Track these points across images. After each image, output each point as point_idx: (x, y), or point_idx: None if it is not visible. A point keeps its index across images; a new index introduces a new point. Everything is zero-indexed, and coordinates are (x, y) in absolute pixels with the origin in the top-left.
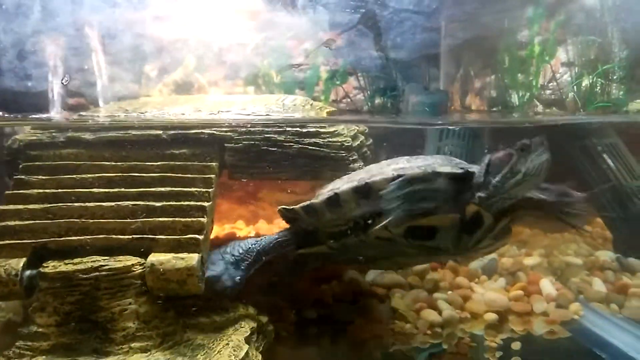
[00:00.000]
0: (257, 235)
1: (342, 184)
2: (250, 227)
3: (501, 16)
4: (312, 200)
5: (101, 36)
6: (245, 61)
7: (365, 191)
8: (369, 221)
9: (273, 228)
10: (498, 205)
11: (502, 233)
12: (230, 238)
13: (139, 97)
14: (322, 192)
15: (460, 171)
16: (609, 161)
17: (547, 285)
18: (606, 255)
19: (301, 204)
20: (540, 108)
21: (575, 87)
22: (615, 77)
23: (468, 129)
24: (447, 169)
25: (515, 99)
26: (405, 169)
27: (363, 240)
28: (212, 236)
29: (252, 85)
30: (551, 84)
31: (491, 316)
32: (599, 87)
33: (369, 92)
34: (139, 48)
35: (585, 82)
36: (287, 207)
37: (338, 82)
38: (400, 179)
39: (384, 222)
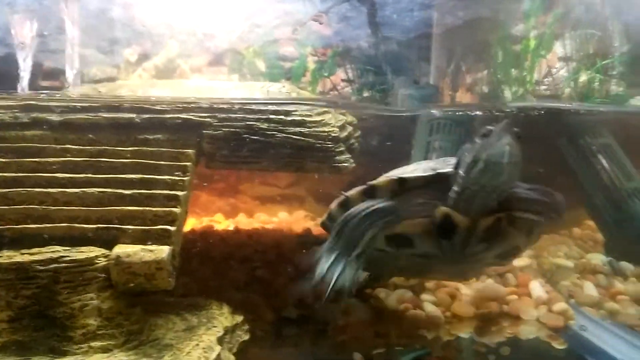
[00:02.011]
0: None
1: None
2: (230, 221)
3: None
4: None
5: (78, 16)
6: (231, 48)
7: (345, 203)
8: None
9: (253, 222)
10: (473, 201)
11: (494, 236)
12: (208, 231)
13: (116, 80)
14: None
15: (426, 174)
16: (603, 161)
17: (537, 287)
18: (598, 259)
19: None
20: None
21: (572, 82)
22: (614, 73)
23: (459, 123)
24: (412, 174)
25: (508, 94)
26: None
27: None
28: (187, 228)
29: (236, 73)
30: (547, 79)
31: (478, 319)
32: (597, 83)
33: (357, 84)
34: (119, 30)
35: (583, 78)
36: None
37: (326, 74)
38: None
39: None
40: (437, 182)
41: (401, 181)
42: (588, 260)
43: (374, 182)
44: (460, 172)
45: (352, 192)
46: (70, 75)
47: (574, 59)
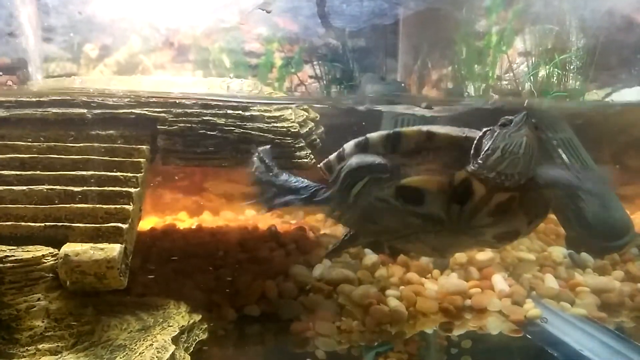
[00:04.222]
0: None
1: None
2: (194, 219)
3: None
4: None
5: (35, 10)
6: (195, 44)
7: (364, 145)
8: None
9: (218, 221)
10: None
11: (502, 213)
12: (170, 230)
13: (75, 76)
14: None
15: (455, 134)
16: (564, 156)
17: (500, 281)
18: (559, 251)
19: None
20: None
21: (531, 77)
22: (572, 67)
23: (423, 118)
24: (442, 130)
25: (471, 90)
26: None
27: (368, 200)
28: (148, 227)
29: (201, 69)
30: (508, 74)
31: (442, 313)
32: (555, 77)
33: (325, 81)
34: (79, 25)
35: (542, 72)
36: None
37: (293, 70)
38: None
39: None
40: (461, 145)
41: (429, 135)
42: (549, 253)
43: (401, 129)
44: (478, 159)
45: (374, 135)
46: (27, 70)
47: (533, 54)
